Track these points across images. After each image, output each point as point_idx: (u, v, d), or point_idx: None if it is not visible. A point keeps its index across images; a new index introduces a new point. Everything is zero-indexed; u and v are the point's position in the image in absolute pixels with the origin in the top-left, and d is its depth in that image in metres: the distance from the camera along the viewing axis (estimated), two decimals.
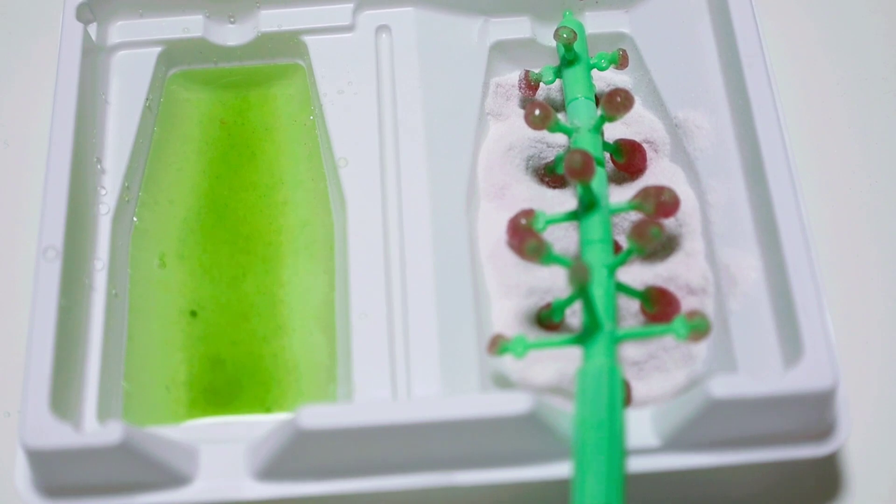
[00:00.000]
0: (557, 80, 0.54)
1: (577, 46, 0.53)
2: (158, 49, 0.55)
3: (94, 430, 0.44)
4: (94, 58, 0.53)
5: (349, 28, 0.56)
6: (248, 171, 0.54)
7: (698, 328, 0.44)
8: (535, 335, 0.49)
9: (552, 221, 0.49)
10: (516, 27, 0.56)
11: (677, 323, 0.45)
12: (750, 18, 0.51)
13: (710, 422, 0.44)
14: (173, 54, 0.56)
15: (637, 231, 0.46)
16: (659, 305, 0.48)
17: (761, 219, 0.48)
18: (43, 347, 0.45)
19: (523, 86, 0.55)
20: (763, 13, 0.53)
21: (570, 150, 0.47)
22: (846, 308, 0.52)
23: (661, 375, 0.49)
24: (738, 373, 0.46)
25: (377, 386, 0.47)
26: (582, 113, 0.52)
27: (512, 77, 0.56)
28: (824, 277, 0.47)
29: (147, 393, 0.49)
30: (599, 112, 0.50)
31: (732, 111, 0.51)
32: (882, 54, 0.60)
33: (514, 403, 0.43)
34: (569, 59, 0.53)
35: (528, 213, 0.49)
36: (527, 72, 0.55)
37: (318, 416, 0.43)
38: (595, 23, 0.56)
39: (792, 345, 0.45)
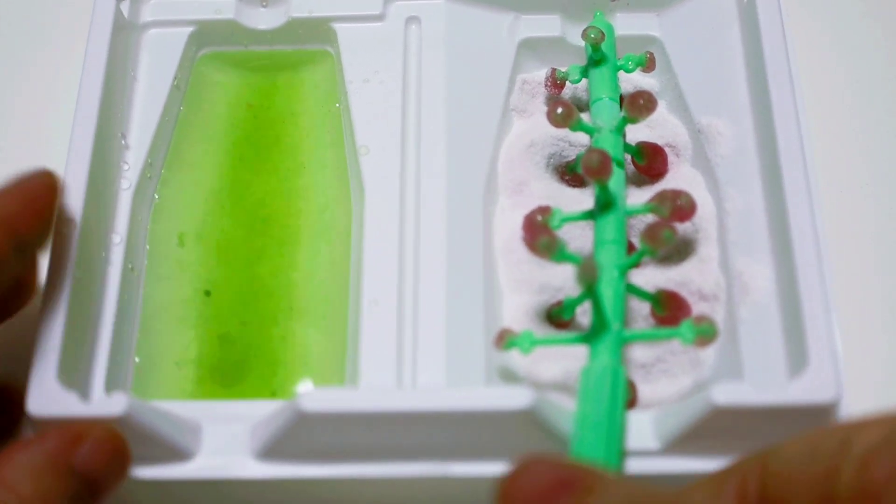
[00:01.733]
0: (584, 79, 0.55)
1: (604, 47, 0.53)
2: (190, 29, 0.56)
3: (100, 400, 0.44)
4: (125, 34, 0.54)
5: (379, 17, 0.56)
6: (271, 155, 0.54)
7: (705, 333, 0.44)
8: (545, 332, 0.50)
9: (568, 219, 0.49)
10: (546, 25, 0.56)
11: (684, 327, 0.45)
12: (778, 30, 0.51)
13: (711, 428, 0.44)
14: (204, 35, 0.56)
15: (650, 233, 0.46)
16: (669, 309, 0.49)
17: (776, 229, 0.48)
18: (55, 317, 0.45)
19: (549, 84, 0.55)
20: (791, 24, 0.52)
21: (589, 149, 0.47)
22: (856, 322, 0.52)
23: (667, 379, 0.49)
24: (743, 381, 0.46)
25: (383, 373, 0.47)
26: (605, 113, 0.52)
27: (539, 74, 0.56)
28: (836, 291, 0.47)
29: (156, 368, 0.50)
30: (622, 113, 0.50)
31: (755, 121, 0.51)
32: None
33: (513, 398, 0.43)
34: (596, 59, 0.53)
35: (545, 210, 0.49)
36: (553, 70, 0.55)
37: (319, 399, 0.43)
38: (625, 24, 0.56)
39: (798, 356, 0.45)
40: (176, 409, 0.46)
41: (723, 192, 0.51)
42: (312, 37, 0.56)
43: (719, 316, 0.49)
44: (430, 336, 0.48)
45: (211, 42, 0.56)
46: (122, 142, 0.52)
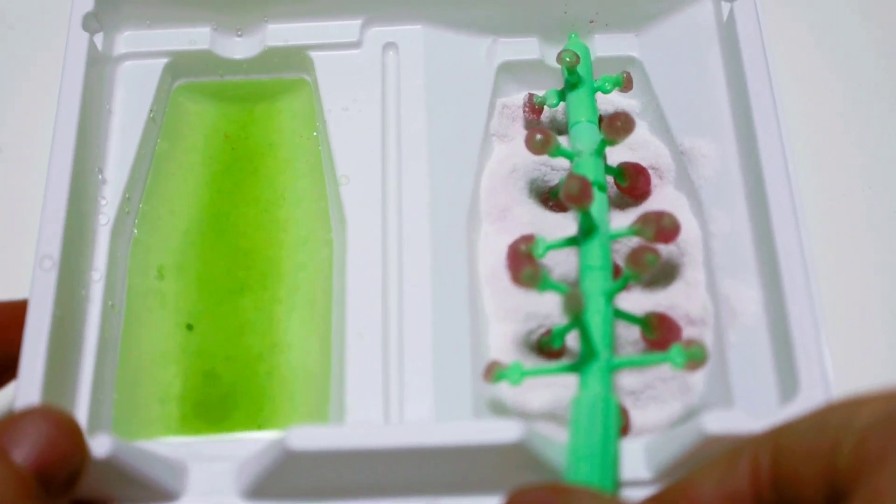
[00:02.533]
0: (562, 103, 0.54)
1: (580, 69, 0.53)
2: (164, 60, 0.55)
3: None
4: (99, 67, 0.53)
5: (356, 44, 0.55)
6: (250, 186, 0.54)
7: (695, 357, 0.44)
8: (534, 361, 0.49)
9: (552, 247, 0.49)
10: (524, 48, 0.56)
11: (674, 351, 0.44)
12: (759, 47, 0.51)
13: (703, 456, 0.43)
14: (179, 66, 0.55)
15: (633, 257, 0.46)
16: (659, 332, 0.48)
17: (763, 251, 0.48)
18: (35, 357, 0.45)
19: (527, 109, 0.55)
20: (771, 40, 0.52)
21: (569, 176, 0.47)
22: (844, 341, 0.52)
23: (657, 406, 0.48)
24: (733, 406, 0.46)
25: (370, 407, 0.47)
26: (584, 137, 0.52)
27: (518, 98, 0.56)
28: (823, 311, 0.47)
29: (140, 405, 0.49)
30: (601, 136, 0.50)
31: (738, 140, 0.51)
32: (891, 85, 0.60)
33: (503, 431, 0.42)
34: (572, 81, 0.53)
35: (528, 239, 0.49)
36: (531, 95, 0.54)
37: (306, 437, 0.42)
38: (604, 45, 0.56)
39: (788, 381, 0.44)
40: (161, 448, 0.45)
41: (707, 214, 0.51)
42: (289, 65, 0.56)
43: (707, 340, 0.49)
44: (417, 368, 0.48)
45: (186, 73, 0.56)
46: (100, 176, 0.52)
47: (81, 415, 0.47)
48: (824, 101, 0.60)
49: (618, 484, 0.44)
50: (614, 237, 0.49)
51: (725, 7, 0.53)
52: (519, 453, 0.42)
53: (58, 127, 0.50)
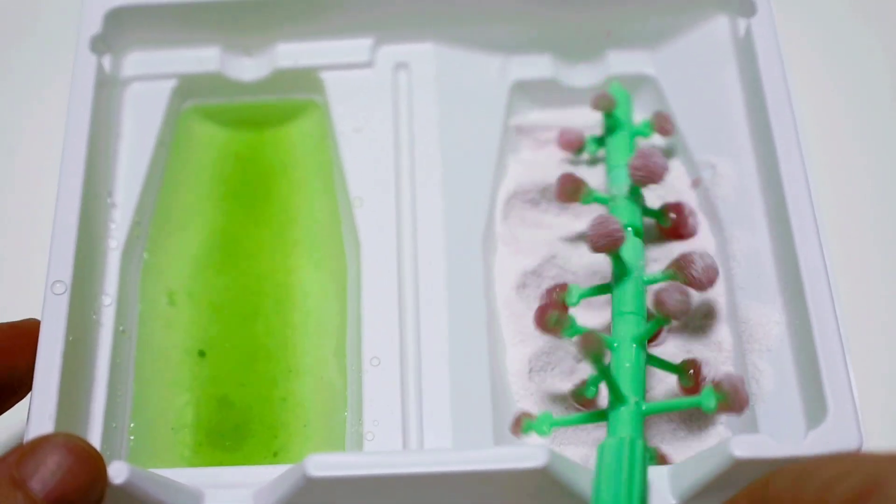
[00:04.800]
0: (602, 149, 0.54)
1: (619, 113, 0.52)
2: (173, 82, 0.54)
3: None
4: (107, 90, 0.52)
5: (367, 64, 0.55)
6: (262, 209, 0.53)
7: (726, 399, 0.43)
8: (566, 410, 0.48)
9: (585, 295, 0.48)
10: (537, 66, 0.55)
11: (706, 395, 0.44)
12: (778, 64, 0.50)
13: (730, 481, 0.42)
14: (188, 88, 0.55)
15: (657, 301, 0.45)
16: (695, 380, 0.47)
17: (785, 272, 0.47)
18: (48, 383, 0.44)
19: (563, 143, 0.54)
20: (789, 57, 0.51)
21: (597, 219, 0.46)
22: (868, 361, 0.51)
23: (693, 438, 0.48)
24: (758, 430, 0.45)
25: (388, 433, 0.46)
26: (621, 181, 0.51)
27: (531, 117, 0.55)
28: (847, 331, 0.46)
29: (153, 433, 0.48)
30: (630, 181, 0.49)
31: (757, 159, 0.50)
32: None
33: (528, 457, 0.41)
34: (610, 126, 0.52)
35: (562, 288, 0.48)
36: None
37: (326, 464, 0.42)
38: (619, 62, 0.55)
39: (815, 404, 0.44)
40: (176, 476, 0.44)
41: (727, 234, 0.50)
42: (299, 87, 0.55)
43: (728, 365, 0.48)
44: (435, 394, 0.47)
45: (195, 95, 0.55)
46: (109, 200, 0.51)
47: (94, 442, 0.46)
48: (838, 117, 0.59)
49: None
50: (649, 283, 0.48)
51: (742, 23, 0.52)
52: (544, 479, 0.42)
53: (66, 150, 0.49)
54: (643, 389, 0.45)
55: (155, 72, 0.54)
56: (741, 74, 0.53)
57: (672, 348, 0.49)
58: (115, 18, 0.53)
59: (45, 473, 0.39)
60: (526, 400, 0.48)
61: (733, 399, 0.43)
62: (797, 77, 0.51)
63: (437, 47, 0.55)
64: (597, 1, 0.54)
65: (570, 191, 0.49)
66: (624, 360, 0.45)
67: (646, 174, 0.48)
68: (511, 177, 0.53)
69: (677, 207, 0.51)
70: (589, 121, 0.55)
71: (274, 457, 0.48)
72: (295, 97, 0.55)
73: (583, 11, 0.55)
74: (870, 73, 0.61)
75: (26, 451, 0.40)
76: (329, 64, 0.55)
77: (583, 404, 0.48)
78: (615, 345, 0.46)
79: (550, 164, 0.54)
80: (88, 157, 0.49)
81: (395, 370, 0.47)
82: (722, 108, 0.52)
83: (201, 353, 0.50)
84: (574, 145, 0.54)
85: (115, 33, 0.53)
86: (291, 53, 0.55)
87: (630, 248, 0.48)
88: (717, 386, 0.44)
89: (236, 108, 0.55)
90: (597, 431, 0.48)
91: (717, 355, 0.48)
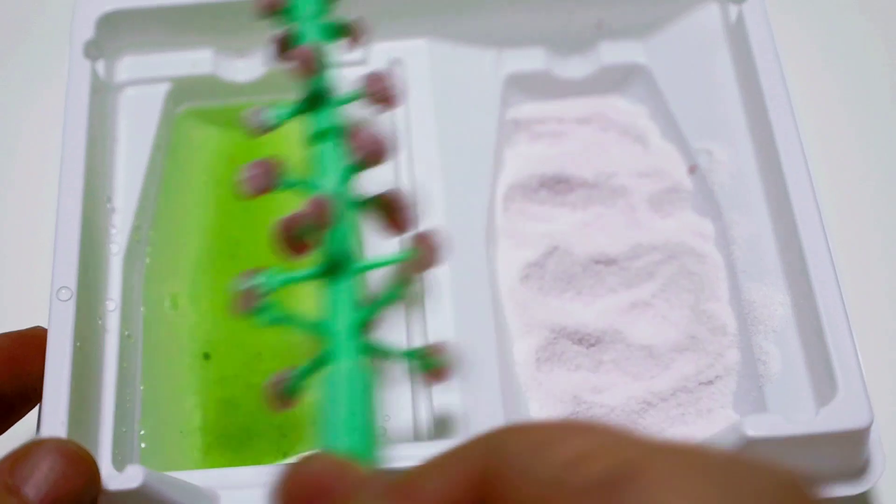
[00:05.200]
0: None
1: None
2: (167, 86, 0.54)
3: (111, 474, 0.43)
4: (102, 95, 0.52)
5: (361, 62, 0.55)
6: (260, 209, 0.53)
7: (440, 363, 0.42)
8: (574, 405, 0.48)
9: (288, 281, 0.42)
10: (530, 59, 0.55)
11: (416, 354, 0.42)
12: (771, 49, 0.51)
13: None
14: (182, 91, 0.54)
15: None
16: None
17: (788, 252, 0.47)
18: (58, 391, 0.44)
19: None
20: (781, 40, 0.52)
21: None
22: (871, 338, 0.52)
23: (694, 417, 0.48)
24: (767, 410, 0.46)
25: (399, 429, 0.46)
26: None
27: (525, 108, 0.55)
28: (850, 308, 0.46)
29: (162, 438, 0.48)
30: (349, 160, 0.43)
31: (754, 143, 0.51)
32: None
33: None
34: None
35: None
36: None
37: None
38: (610, 53, 0.56)
39: (824, 382, 0.44)
40: (189, 478, 0.44)
41: (727, 219, 0.50)
42: (294, 86, 0.55)
43: (734, 349, 0.48)
44: (444, 387, 0.47)
45: (189, 98, 0.55)
46: (109, 205, 0.51)
47: (105, 447, 0.46)
48: (830, 100, 0.60)
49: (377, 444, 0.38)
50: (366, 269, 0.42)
51: (733, 10, 0.53)
52: None
53: (65, 156, 0.49)
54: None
55: (149, 76, 0.54)
56: (734, 60, 0.53)
57: (673, 333, 0.49)
58: (107, 23, 0.53)
59: (39, 478, 0.39)
60: (535, 390, 0.48)
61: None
62: (788, 62, 0.51)
63: (430, 43, 0.55)
64: None
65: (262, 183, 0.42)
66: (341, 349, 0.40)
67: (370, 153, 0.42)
68: (509, 170, 0.54)
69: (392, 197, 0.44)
70: (583, 112, 0.55)
71: (284, 457, 0.47)
72: (290, 97, 0.55)
73: (573, 3, 0.55)
74: (861, 56, 0.61)
75: (19, 457, 0.39)
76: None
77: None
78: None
79: (548, 157, 0.54)
80: (87, 162, 0.49)
81: (403, 365, 0.47)
82: (715, 95, 0.53)
83: (206, 356, 0.50)
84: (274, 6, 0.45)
85: (107, 38, 0.53)
86: None
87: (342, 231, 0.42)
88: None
89: (231, 110, 0.55)
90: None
91: (721, 339, 0.48)
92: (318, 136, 0.43)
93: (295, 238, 0.41)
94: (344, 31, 0.46)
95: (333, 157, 0.43)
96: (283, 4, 0.44)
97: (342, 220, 0.41)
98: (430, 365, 0.42)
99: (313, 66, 0.43)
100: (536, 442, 0.30)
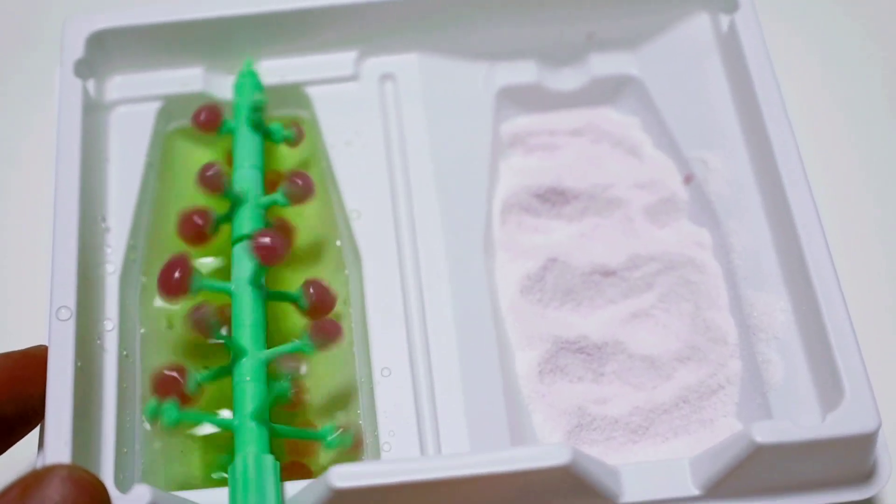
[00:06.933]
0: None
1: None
2: (158, 104, 0.54)
3: (115, 495, 0.42)
4: (93, 114, 0.52)
5: (353, 77, 0.54)
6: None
7: (345, 443, 0.46)
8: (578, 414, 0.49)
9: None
10: (522, 72, 0.55)
11: (325, 431, 0.45)
12: (765, 57, 0.51)
13: (752, 468, 0.43)
14: (173, 109, 0.54)
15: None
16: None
17: (788, 259, 0.48)
18: (61, 411, 0.43)
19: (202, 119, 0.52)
20: (773, 48, 0.52)
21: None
22: (873, 344, 0.52)
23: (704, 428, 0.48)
24: (772, 417, 0.46)
25: (405, 443, 0.46)
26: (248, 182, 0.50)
27: (519, 122, 0.55)
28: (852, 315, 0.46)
29: (162, 457, 0.47)
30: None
31: (750, 151, 0.51)
32: (887, 89, 0.60)
33: (552, 456, 0.41)
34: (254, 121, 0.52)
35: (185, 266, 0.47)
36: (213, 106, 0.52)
37: (351, 474, 0.41)
38: (601, 64, 0.56)
39: (829, 388, 0.44)
40: (194, 497, 0.44)
41: (724, 228, 0.50)
42: (286, 103, 0.54)
43: (735, 358, 0.48)
44: (448, 400, 0.47)
45: (181, 116, 0.54)
46: (103, 225, 0.50)
47: (108, 468, 0.45)
48: (824, 107, 0.60)
49: None
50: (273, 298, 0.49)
51: (724, 19, 0.53)
52: (568, 477, 0.42)
53: (59, 176, 0.49)
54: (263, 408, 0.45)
55: (139, 94, 0.54)
56: (726, 69, 0.53)
57: (674, 343, 0.49)
58: (97, 42, 0.53)
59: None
60: (538, 402, 0.48)
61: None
62: (779, 69, 0.52)
63: (421, 57, 0.55)
64: (577, 4, 0.55)
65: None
66: (244, 375, 0.46)
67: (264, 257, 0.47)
68: (504, 183, 0.53)
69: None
70: (575, 124, 0.55)
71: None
72: (281, 113, 0.55)
73: (564, 15, 0.55)
74: (854, 61, 0.61)
75: (29, 484, 0.39)
76: (314, 79, 0.54)
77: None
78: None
79: (542, 169, 0.54)
80: (82, 183, 0.49)
81: (406, 379, 0.47)
82: (708, 104, 0.53)
83: None
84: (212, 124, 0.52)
85: (98, 57, 0.53)
86: (276, 70, 0.54)
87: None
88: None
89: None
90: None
91: (723, 349, 0.49)
92: (236, 240, 0.49)
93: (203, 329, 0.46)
94: (279, 137, 0.52)
95: (244, 257, 0.48)
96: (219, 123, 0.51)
97: (244, 315, 0.47)
98: (338, 443, 0.45)
99: (220, 187, 0.49)
100: None
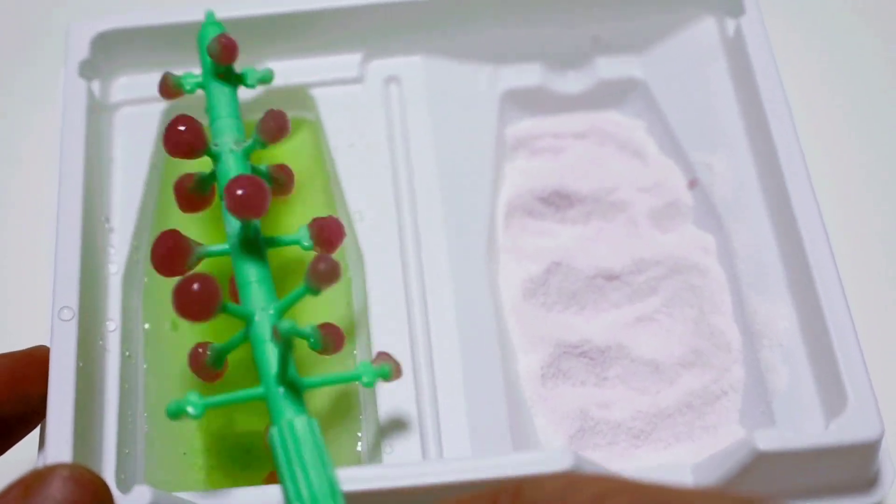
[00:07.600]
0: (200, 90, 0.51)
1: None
2: (163, 105, 0.54)
3: (117, 496, 0.42)
4: (98, 115, 0.52)
5: (357, 80, 0.54)
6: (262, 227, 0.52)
7: (384, 375, 0.44)
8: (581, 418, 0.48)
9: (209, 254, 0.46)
10: (527, 75, 0.55)
11: (362, 367, 0.44)
12: (771, 62, 0.51)
13: (754, 476, 0.42)
14: (177, 110, 0.54)
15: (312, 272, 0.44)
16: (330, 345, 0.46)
17: (792, 264, 0.47)
18: (63, 411, 0.43)
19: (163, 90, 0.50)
20: (780, 53, 0.52)
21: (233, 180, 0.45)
22: (876, 352, 0.52)
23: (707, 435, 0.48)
24: (775, 425, 0.45)
25: (406, 446, 0.46)
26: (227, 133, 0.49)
27: (524, 126, 0.55)
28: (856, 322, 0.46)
29: (164, 459, 0.47)
30: (254, 137, 0.48)
31: (755, 155, 0.51)
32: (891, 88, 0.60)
33: (554, 461, 0.41)
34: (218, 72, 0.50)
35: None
36: (167, 75, 0.50)
37: (354, 478, 0.41)
38: (607, 68, 0.56)
39: (832, 395, 0.44)
40: (196, 499, 0.44)
41: (728, 231, 0.50)
42: (290, 105, 0.54)
43: (739, 365, 0.48)
44: (450, 404, 0.47)
45: None
46: (107, 225, 0.50)
47: (109, 468, 0.45)
48: (829, 111, 0.60)
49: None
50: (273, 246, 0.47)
51: (730, 23, 0.53)
52: None
53: (63, 177, 0.49)
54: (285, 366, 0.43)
55: (144, 95, 0.54)
56: (731, 73, 0.53)
57: (678, 348, 0.49)
58: (102, 43, 0.53)
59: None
60: (540, 406, 0.48)
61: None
62: (786, 74, 0.51)
63: (426, 60, 0.55)
64: (582, 6, 0.55)
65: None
66: (261, 335, 0.44)
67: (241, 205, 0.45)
68: (509, 186, 0.53)
69: (283, 168, 0.50)
70: (580, 127, 0.55)
71: None
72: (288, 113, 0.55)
73: (569, 18, 0.55)
74: (860, 66, 0.61)
75: (31, 484, 0.39)
76: (319, 81, 0.54)
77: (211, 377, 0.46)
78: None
79: (547, 172, 0.54)
80: (85, 182, 0.49)
81: (408, 382, 0.47)
82: (713, 108, 0.53)
83: None
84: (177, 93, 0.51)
85: (102, 58, 0.53)
86: (281, 72, 0.54)
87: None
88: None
89: None
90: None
91: (727, 355, 0.48)
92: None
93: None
94: (253, 81, 0.50)
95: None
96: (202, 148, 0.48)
97: (248, 273, 0.45)
98: (377, 378, 0.44)
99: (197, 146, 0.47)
100: (560, 486, 0.33)
